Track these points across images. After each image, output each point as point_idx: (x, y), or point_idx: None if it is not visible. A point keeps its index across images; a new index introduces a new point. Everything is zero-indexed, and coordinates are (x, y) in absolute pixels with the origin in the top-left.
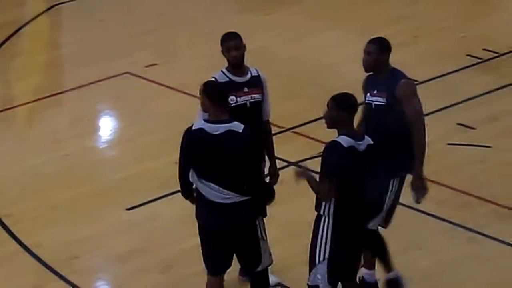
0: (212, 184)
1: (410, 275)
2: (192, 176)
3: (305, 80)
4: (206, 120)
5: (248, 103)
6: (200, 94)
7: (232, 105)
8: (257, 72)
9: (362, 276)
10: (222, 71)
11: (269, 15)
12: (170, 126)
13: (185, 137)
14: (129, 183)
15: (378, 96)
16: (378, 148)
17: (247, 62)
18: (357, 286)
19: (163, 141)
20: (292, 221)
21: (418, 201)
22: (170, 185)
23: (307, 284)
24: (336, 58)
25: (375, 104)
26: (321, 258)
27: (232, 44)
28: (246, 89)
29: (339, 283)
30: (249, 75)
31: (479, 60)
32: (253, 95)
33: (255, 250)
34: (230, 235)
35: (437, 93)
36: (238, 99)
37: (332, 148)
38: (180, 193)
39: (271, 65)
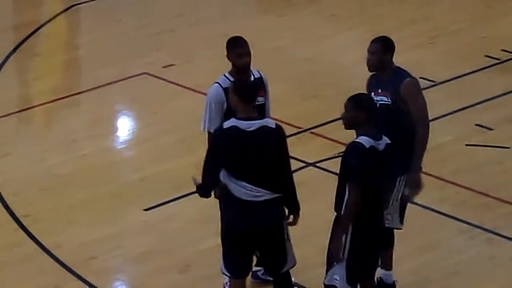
0: (244, 183)
1: (428, 276)
2: (223, 176)
3: (321, 81)
4: (237, 118)
5: None
6: (230, 93)
7: None
8: (259, 74)
9: (380, 277)
10: (225, 75)
11: (283, 16)
12: (187, 126)
13: (217, 137)
14: (146, 183)
15: (383, 95)
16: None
17: (264, 63)
18: (375, 287)
19: (181, 141)
20: (309, 221)
21: (410, 197)
22: (187, 186)
23: (324, 283)
24: (351, 59)
25: (380, 103)
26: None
27: (243, 51)
28: None
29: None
30: (252, 79)
31: (497, 61)
32: (258, 98)
33: (281, 251)
34: (259, 236)
35: (455, 94)
36: None
37: (354, 149)
38: (196, 193)
39: (287, 66)
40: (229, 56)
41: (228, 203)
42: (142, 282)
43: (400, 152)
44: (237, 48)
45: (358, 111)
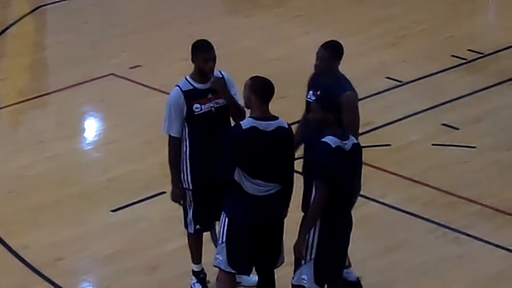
0: (259, 181)
1: (395, 275)
2: (237, 175)
3: (289, 81)
4: (253, 118)
5: (213, 109)
6: (244, 89)
7: (197, 113)
8: (221, 74)
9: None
10: (186, 78)
11: (250, 17)
12: (154, 127)
13: (236, 137)
14: (114, 184)
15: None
16: (361, 146)
17: (231, 63)
18: (342, 287)
19: (148, 142)
20: None
21: None
22: (155, 187)
23: (291, 283)
24: None
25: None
26: (308, 259)
27: (211, 56)
28: (210, 96)
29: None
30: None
31: (464, 61)
32: (217, 100)
33: (278, 245)
34: (268, 229)
35: (422, 94)
36: (203, 106)
37: (321, 149)
38: (163, 194)
39: (255, 66)
40: (194, 60)
41: (241, 199)
42: (109, 283)
43: None
44: (204, 53)
45: (325, 112)
